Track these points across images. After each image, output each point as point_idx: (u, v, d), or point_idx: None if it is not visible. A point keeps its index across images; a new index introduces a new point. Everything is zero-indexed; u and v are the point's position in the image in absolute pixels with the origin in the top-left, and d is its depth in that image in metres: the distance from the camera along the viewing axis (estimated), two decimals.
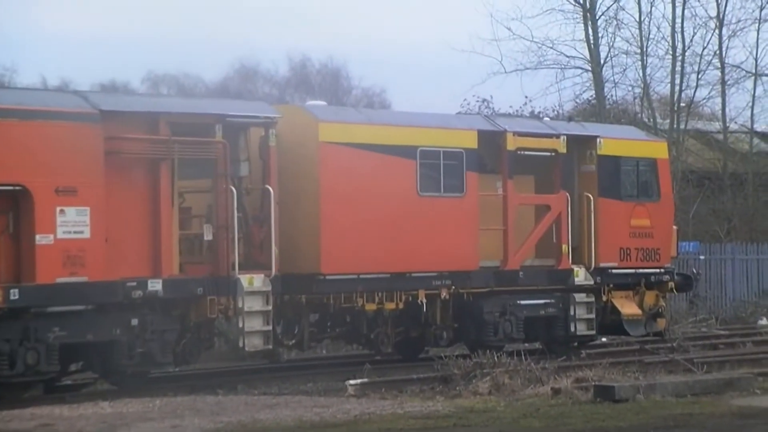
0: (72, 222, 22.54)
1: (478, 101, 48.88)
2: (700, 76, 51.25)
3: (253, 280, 24.70)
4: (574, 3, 50.33)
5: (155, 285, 23.56)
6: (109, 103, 24.02)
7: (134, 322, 23.44)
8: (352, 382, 23.49)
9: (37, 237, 22.15)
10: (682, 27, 50.81)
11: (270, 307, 24.91)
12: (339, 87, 62.28)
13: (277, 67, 64.67)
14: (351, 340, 28.65)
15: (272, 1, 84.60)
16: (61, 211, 22.43)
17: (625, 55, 51.08)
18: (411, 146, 27.24)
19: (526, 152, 29.22)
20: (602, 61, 50.39)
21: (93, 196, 22.77)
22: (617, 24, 50.82)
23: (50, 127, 22.51)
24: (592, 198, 30.04)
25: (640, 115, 50.74)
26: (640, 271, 30.82)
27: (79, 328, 22.81)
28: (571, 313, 29.66)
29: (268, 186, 25.23)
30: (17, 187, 22.04)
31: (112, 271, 22.98)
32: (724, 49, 51.45)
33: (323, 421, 19.10)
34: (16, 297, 21.90)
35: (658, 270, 31.19)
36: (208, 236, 24.74)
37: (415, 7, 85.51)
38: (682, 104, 51.24)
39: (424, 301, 27.47)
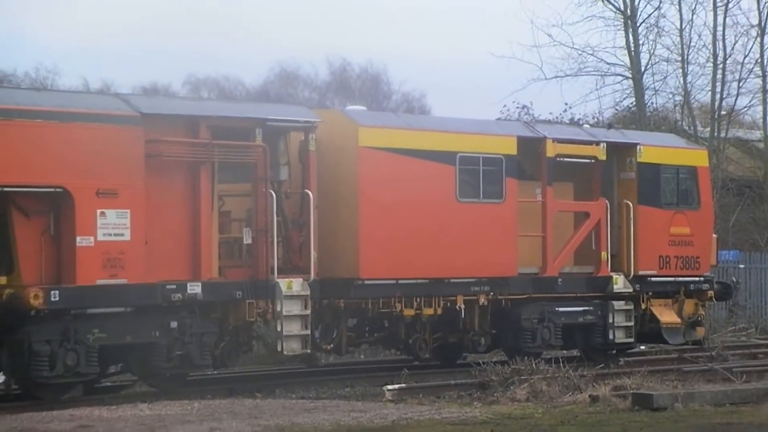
0: (112, 224, 22.56)
1: (518, 107, 48.90)
2: (741, 84, 51.11)
3: (292, 284, 24.72)
4: (615, 10, 50.22)
5: (194, 288, 23.61)
6: (149, 106, 24.07)
7: (173, 324, 23.48)
8: (389, 387, 23.50)
9: (78, 239, 22.19)
10: (724, 35, 50.68)
11: (308, 311, 24.92)
12: (379, 91, 62.35)
13: (317, 71, 64.83)
14: (389, 345, 28.62)
15: (313, 5, 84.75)
16: (102, 213, 22.46)
17: (665, 63, 50.98)
18: (450, 152, 27.19)
19: (566, 159, 29.23)
20: (643, 69, 50.29)
21: (133, 198, 22.79)
22: (658, 31, 50.70)
23: (91, 129, 22.51)
24: (631, 205, 29.98)
25: (680, 122, 50.57)
26: (680, 279, 30.76)
27: (118, 330, 22.85)
28: (610, 320, 29.59)
29: (307, 190, 25.24)
30: (58, 189, 22.08)
31: (151, 273, 23.00)
32: (765, 57, 51.23)
33: (361, 425, 19.11)
34: (57, 298, 21.91)
35: (697, 278, 31.12)
36: (247, 240, 24.81)
37: (456, 13, 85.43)
38: (723, 112, 51.06)
39: (463, 307, 27.42)
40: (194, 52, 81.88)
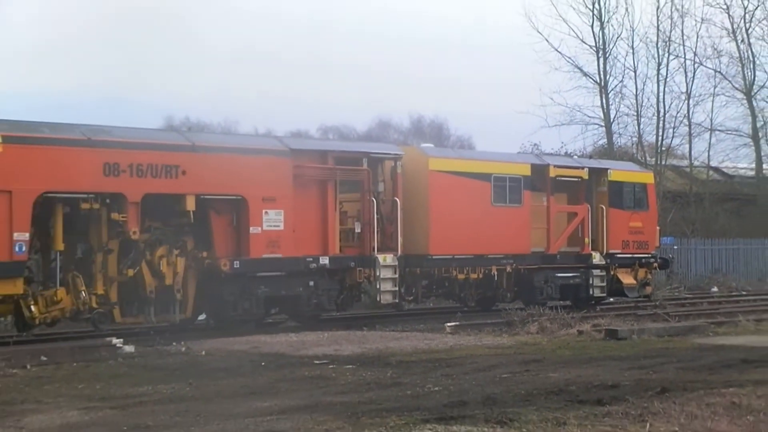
0: (272, 219, 22.70)
1: (530, 144, 48.72)
2: (674, 131, 50.98)
3: (386, 258, 24.78)
4: (593, 82, 50.07)
5: (324, 260, 23.70)
6: (295, 144, 24.26)
7: (311, 283, 23.60)
8: (448, 324, 23.50)
9: (251, 228, 22.34)
10: (663, 98, 50.42)
11: (397, 276, 24.97)
12: (442, 134, 62.32)
13: (402, 121, 64.96)
14: (448, 297, 28.56)
15: (403, 74, 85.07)
16: (266, 212, 22.60)
17: (626, 116, 50.79)
18: (487, 173, 27.14)
19: (562, 178, 29.09)
20: (611, 120, 50.07)
21: (285, 203, 22.89)
22: (621, 96, 50.58)
23: (259, 159, 22.65)
24: (604, 208, 29.81)
25: (636, 155, 50.21)
26: (636, 255, 30.52)
27: (276, 286, 23.01)
28: (590, 282, 29.46)
29: (396, 198, 25.31)
30: (239, 197, 22.31)
31: (297, 250, 23.12)
32: (690, 113, 51.14)
33: (430, 348, 19.12)
34: (238, 266, 22.15)
35: (647, 255, 30.89)
36: (357, 230, 24.89)
37: (489, 81, 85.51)
38: (663, 148, 50.81)
39: (495, 273, 27.43)
40: (325, 106, 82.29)
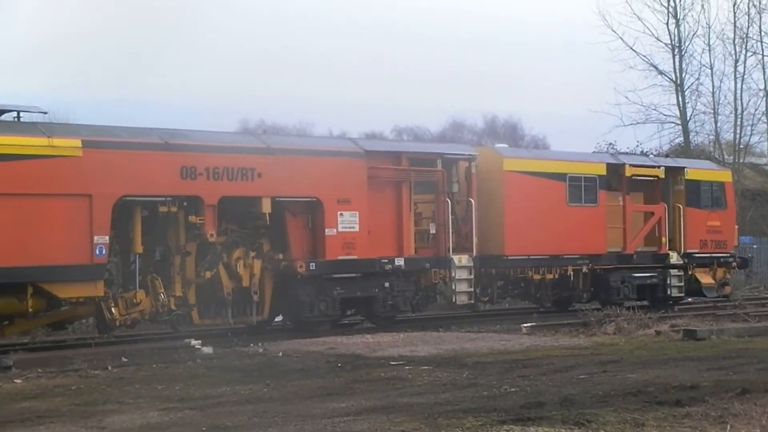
0: (347, 221, 22.75)
1: (606, 144, 48.28)
2: (753, 128, 50.13)
3: (461, 259, 24.73)
4: (669, 80, 49.44)
5: (399, 261, 23.70)
6: (370, 145, 24.30)
7: (386, 284, 23.59)
8: (525, 324, 23.39)
9: (326, 230, 22.41)
10: (741, 96, 49.55)
11: (472, 276, 24.92)
12: (516, 134, 62.04)
13: (476, 122, 64.84)
14: (524, 298, 28.44)
15: (477, 75, 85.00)
16: (341, 214, 22.66)
17: (703, 114, 50.08)
18: (562, 173, 26.99)
19: (638, 177, 28.80)
20: (688, 118, 49.42)
21: (360, 204, 22.93)
22: (698, 94, 49.87)
23: (334, 161, 22.73)
24: (681, 207, 29.45)
25: (713, 153, 49.53)
26: (714, 255, 30.13)
27: (352, 287, 23.05)
28: (668, 282, 29.13)
29: (470, 198, 25.26)
30: (314, 199, 22.39)
31: (372, 252, 23.15)
32: None
33: (506, 349, 19.03)
34: (314, 268, 22.24)
35: (725, 254, 30.46)
36: (432, 231, 24.87)
37: (563, 80, 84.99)
38: (741, 146, 50.03)
39: (571, 273, 27.27)
40: (398, 108, 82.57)
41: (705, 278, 29.93)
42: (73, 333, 23.04)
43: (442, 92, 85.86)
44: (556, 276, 26.99)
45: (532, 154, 29.39)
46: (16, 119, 19.58)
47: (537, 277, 26.66)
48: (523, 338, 21.26)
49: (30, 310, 18.79)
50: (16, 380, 15.68)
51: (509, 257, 25.88)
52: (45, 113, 19.98)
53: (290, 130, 57.94)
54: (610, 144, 48.11)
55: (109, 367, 16.88)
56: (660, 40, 49.01)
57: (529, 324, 23.51)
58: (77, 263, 19.00)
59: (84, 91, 66.65)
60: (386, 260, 23.45)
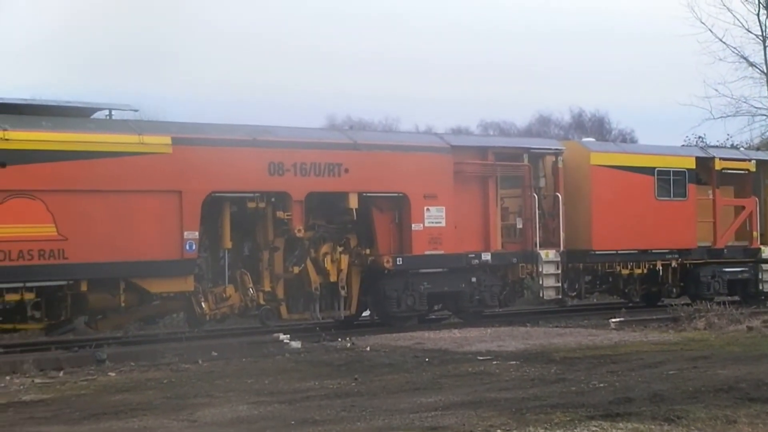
0: (434, 216, 22.76)
1: (695, 137, 47.52)
2: None
3: (549, 254, 24.61)
4: (760, 72, 48.46)
5: (486, 256, 23.66)
6: (456, 140, 24.26)
7: (473, 279, 23.58)
8: (613, 320, 23.18)
9: (413, 225, 22.44)
10: None
11: (559, 271, 24.78)
12: (603, 128, 61.37)
13: (563, 116, 64.31)
14: (612, 292, 28.14)
15: (563, 69, 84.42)
16: (427, 209, 22.68)
17: None
18: (650, 167, 26.69)
19: (728, 171, 28.34)
20: None
21: (446, 199, 22.93)
22: None
23: (420, 156, 22.75)
24: None
25: None
26: None
27: (439, 282, 23.07)
28: (760, 276, 28.62)
29: (557, 193, 25.11)
30: (400, 194, 22.45)
31: (459, 247, 23.12)
32: None
33: (594, 345, 18.91)
34: (401, 263, 22.28)
35: None
36: (519, 225, 24.79)
37: (651, 73, 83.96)
38: None
39: (660, 268, 26.96)
40: (484, 103, 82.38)
41: None
42: (164, 327, 23.41)
43: (528, 86, 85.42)
44: (645, 271, 26.73)
45: (620, 148, 29.11)
46: (107, 117, 19.93)
47: (625, 272, 26.43)
48: (612, 333, 21.08)
49: (122, 305, 19.13)
50: (110, 373, 15.99)
51: (597, 252, 25.68)
52: (136, 111, 20.31)
53: (376, 126, 58.13)
54: (700, 137, 47.31)
55: (200, 361, 17.12)
56: (750, 32, 48.05)
57: (618, 319, 23.29)
58: (168, 259, 19.28)
59: (166, 89, 67.51)
60: (473, 255, 23.40)
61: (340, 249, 21.89)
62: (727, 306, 23.80)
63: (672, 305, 24.61)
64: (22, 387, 14.66)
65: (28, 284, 18.11)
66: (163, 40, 75.06)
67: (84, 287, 18.61)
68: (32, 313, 18.62)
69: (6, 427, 11.31)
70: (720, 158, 28.20)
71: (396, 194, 22.35)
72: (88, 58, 68.44)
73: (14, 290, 18.04)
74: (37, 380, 15.31)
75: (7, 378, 15.55)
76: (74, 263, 18.25)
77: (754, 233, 28.57)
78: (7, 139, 17.84)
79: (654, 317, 23.83)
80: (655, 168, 26.71)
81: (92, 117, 19.93)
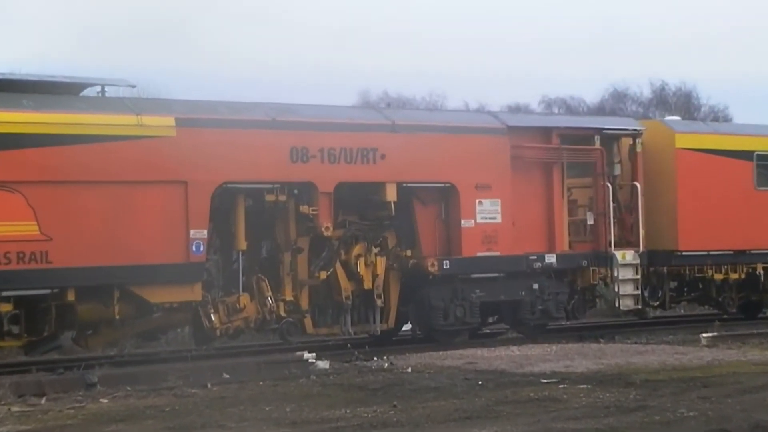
0: (488, 210, 22.73)
1: None
2: None
3: (626, 255, 24.50)
4: None
5: (550, 258, 23.59)
6: (513, 120, 24.21)
7: (535, 286, 23.51)
8: (705, 335, 22.93)
9: (462, 222, 22.43)
10: None
11: (639, 276, 24.68)
12: (690, 105, 61.04)
13: (641, 91, 63.98)
14: (703, 302, 28.03)
15: (641, 35, 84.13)
16: (480, 202, 22.64)
17: None
18: (748, 151, 26.59)
19: None
20: None
21: (502, 190, 22.90)
22: None
23: (470, 139, 22.72)
24: None
25: None
26: None
27: (493, 290, 23.02)
28: None
29: (636, 182, 25.00)
30: (447, 184, 22.38)
31: (518, 247, 23.09)
32: None
33: (682, 365, 18.74)
34: (448, 266, 22.23)
35: None
36: (590, 221, 24.70)
37: (747, 40, 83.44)
38: None
39: (762, 272, 26.77)
40: (547, 77, 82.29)
41: None
42: (166, 344, 23.47)
43: (599, 57, 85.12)
44: (743, 275, 26.58)
45: (711, 128, 28.96)
46: (100, 94, 19.95)
47: (719, 276, 26.30)
48: (703, 351, 20.91)
49: (117, 317, 19.16)
50: (101, 399, 15.96)
51: (684, 253, 25.55)
52: (133, 87, 20.34)
53: (418, 103, 58.11)
54: None
55: (209, 385, 17.08)
56: None
57: (710, 334, 23.05)
58: (171, 262, 19.30)
59: (168, 65, 67.83)
60: (534, 257, 23.34)
61: (375, 250, 21.88)
62: None
63: None
64: None
65: (5, 293, 18.17)
66: (169, 7, 75.61)
67: (71, 296, 18.65)
68: (9, 327, 18.68)
69: None
70: None
71: (442, 184, 22.32)
72: (80, 26, 68.92)
73: None
74: (14, 408, 15.30)
75: None
76: (60, 268, 18.29)
77: None
78: None
79: (754, 332, 23.58)
80: (754, 152, 26.56)
81: (81, 94, 19.97)
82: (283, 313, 20.88)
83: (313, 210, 20.85)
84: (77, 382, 17.13)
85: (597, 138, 24.60)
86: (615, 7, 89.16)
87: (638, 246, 24.70)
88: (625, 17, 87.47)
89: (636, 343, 22.84)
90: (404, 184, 21.84)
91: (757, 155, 26.59)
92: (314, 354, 19.37)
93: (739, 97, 76.06)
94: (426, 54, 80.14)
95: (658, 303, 26.26)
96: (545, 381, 16.74)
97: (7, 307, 18.31)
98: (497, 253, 22.73)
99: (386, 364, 19.49)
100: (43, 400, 15.94)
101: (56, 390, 16.68)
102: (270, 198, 20.53)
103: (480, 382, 16.70)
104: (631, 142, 25.21)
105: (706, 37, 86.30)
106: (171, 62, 66.56)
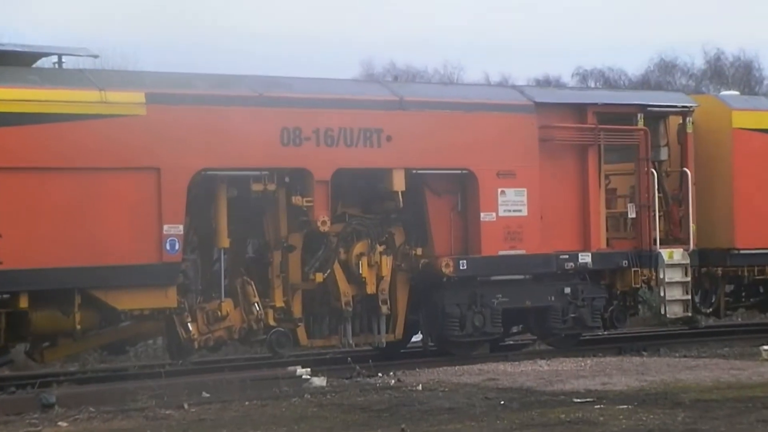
0: (511, 201, 22.77)
1: None
2: None
3: (673, 254, 24.50)
4: None
5: (585, 258, 23.61)
6: (542, 96, 24.22)
7: (567, 290, 23.54)
8: (766, 347, 22.99)
9: (482, 215, 22.48)
10: None
11: (689, 278, 24.68)
12: (751, 77, 61.00)
13: (693, 61, 63.98)
14: (764, 309, 28.02)
15: (691, 3, 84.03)
16: (502, 191, 22.69)
17: None
18: None
19: None
20: None
21: (529, 178, 22.95)
22: None
23: (491, 117, 22.76)
24: None
25: None
26: None
27: (518, 294, 23.06)
28: None
29: (685, 168, 25.01)
30: (464, 171, 22.43)
31: (546, 245, 23.13)
32: None
33: (739, 382, 18.81)
34: (465, 267, 22.28)
35: None
36: (631, 214, 24.73)
37: None
38: None
39: None
40: (581, 45, 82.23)
41: None
42: (136, 359, 23.53)
43: (643, 21, 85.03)
44: None
45: None
46: (56, 65, 20.01)
47: None
48: (764, 367, 20.97)
49: (78, 326, 19.17)
50: (60, 423, 16.06)
51: (742, 251, 25.57)
52: (96, 57, 20.37)
53: (431, 76, 58.12)
54: None
55: (185, 406, 17.17)
56: None
57: None
58: (141, 263, 19.37)
59: (141, 33, 67.90)
60: (566, 256, 23.42)
61: (380, 248, 21.97)
62: None
63: None
64: None
65: None
66: None
67: (24, 303, 18.71)
68: None
69: None
70: None
71: (458, 171, 22.42)
72: None
73: None
74: None
75: None
76: (10, 270, 18.34)
77: None
78: None
79: None
80: None
81: (34, 66, 20.01)
82: (272, 322, 20.95)
83: (307, 201, 20.92)
84: (32, 403, 17.27)
85: (640, 116, 24.62)
86: None
87: (688, 243, 24.72)
88: None
89: (685, 356, 22.97)
90: (414, 171, 21.92)
91: None
92: (309, 369, 19.52)
93: None
94: (439, 19, 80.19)
95: (711, 310, 26.32)
96: (578, 401, 16.83)
97: None
98: (522, 252, 22.79)
99: (393, 381, 19.61)
100: None
101: (7, 412, 16.80)
102: (257, 187, 20.61)
103: (502, 402, 16.79)
104: (681, 122, 25.23)
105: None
106: (143, 30, 66.65)
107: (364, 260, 21.76)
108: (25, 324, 18.97)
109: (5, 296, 18.60)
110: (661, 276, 24.33)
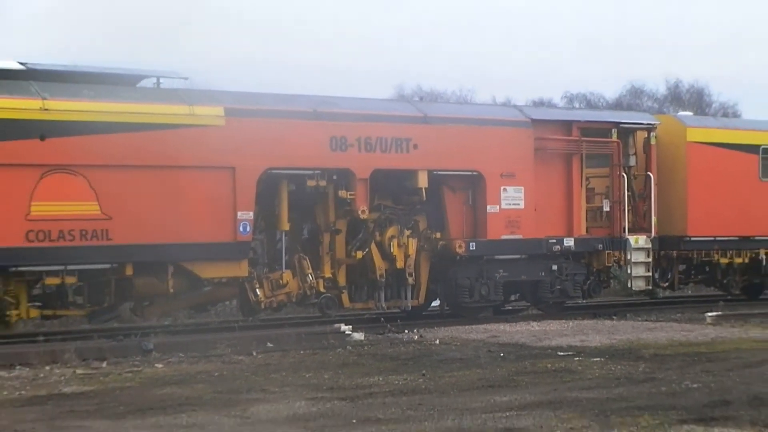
0: (512, 197, 22.73)
1: None
2: None
3: (639, 240, 24.43)
4: None
5: (569, 242, 23.56)
6: (537, 114, 24.19)
7: (554, 267, 23.48)
8: (709, 314, 22.95)
9: (488, 207, 22.45)
10: None
11: (650, 259, 24.59)
12: (702, 101, 60.66)
13: (657, 87, 63.69)
14: (708, 284, 27.90)
15: (657, 36, 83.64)
16: (504, 189, 22.65)
17: None
18: (754, 144, 26.41)
19: None
20: None
21: (526, 179, 22.89)
22: None
23: (497, 130, 22.71)
24: None
25: None
26: None
27: (516, 270, 23.03)
28: None
29: (649, 173, 24.90)
30: (474, 173, 22.43)
31: (539, 231, 23.09)
32: None
33: (688, 341, 18.77)
34: (474, 248, 22.30)
35: None
36: (606, 208, 24.63)
37: (758, 40, 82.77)
38: None
39: (764, 257, 26.66)
40: (569, 76, 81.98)
41: None
42: (215, 316, 23.66)
43: (619, 55, 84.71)
44: (746, 260, 26.48)
45: (720, 123, 28.82)
46: (155, 86, 20.11)
47: (724, 260, 26.23)
48: (708, 329, 20.91)
49: (171, 290, 19.34)
50: (157, 364, 16.19)
51: (693, 238, 25.49)
52: (185, 79, 20.45)
53: (449, 97, 58.08)
54: None
55: (254, 353, 17.27)
56: None
57: (715, 313, 23.07)
58: (220, 241, 19.47)
59: (214, 56, 67.89)
60: (554, 240, 23.35)
61: (407, 232, 21.95)
62: None
63: None
64: (62, 378, 14.90)
65: (70, 267, 18.40)
66: (213, 7, 75.54)
67: (129, 271, 18.87)
68: (74, 298, 18.96)
69: (46, 421, 11.51)
70: None
71: (470, 172, 22.37)
72: (130, 20, 69.04)
73: (55, 273, 18.34)
74: (78, 371, 15.55)
75: (47, 368, 15.82)
76: (119, 245, 18.50)
77: None
78: (46, 110, 18.09)
79: (756, 312, 23.58)
80: (759, 146, 26.43)
81: (138, 85, 20.14)
82: (322, 289, 21.03)
83: (350, 195, 20.95)
84: (135, 349, 17.40)
85: (614, 131, 24.52)
86: (633, 5, 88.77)
87: (650, 231, 24.64)
88: (643, 17, 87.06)
89: (646, 320, 22.90)
90: (435, 172, 21.90)
91: (763, 149, 26.43)
92: (350, 326, 19.54)
93: (748, 94, 75.59)
94: (457, 53, 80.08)
95: (667, 284, 26.21)
96: (562, 354, 16.85)
97: (72, 280, 18.54)
98: (520, 237, 22.76)
99: (416, 337, 19.64)
100: (104, 364, 16.19)
101: (116, 355, 16.95)
102: (311, 183, 20.66)
103: (502, 354, 16.84)
104: (646, 136, 25.10)
105: (719, 36, 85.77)
106: (217, 55, 66.52)
107: (395, 242, 21.80)
108: (129, 288, 19.14)
109: (115, 266, 18.78)
110: (629, 257, 24.25)
